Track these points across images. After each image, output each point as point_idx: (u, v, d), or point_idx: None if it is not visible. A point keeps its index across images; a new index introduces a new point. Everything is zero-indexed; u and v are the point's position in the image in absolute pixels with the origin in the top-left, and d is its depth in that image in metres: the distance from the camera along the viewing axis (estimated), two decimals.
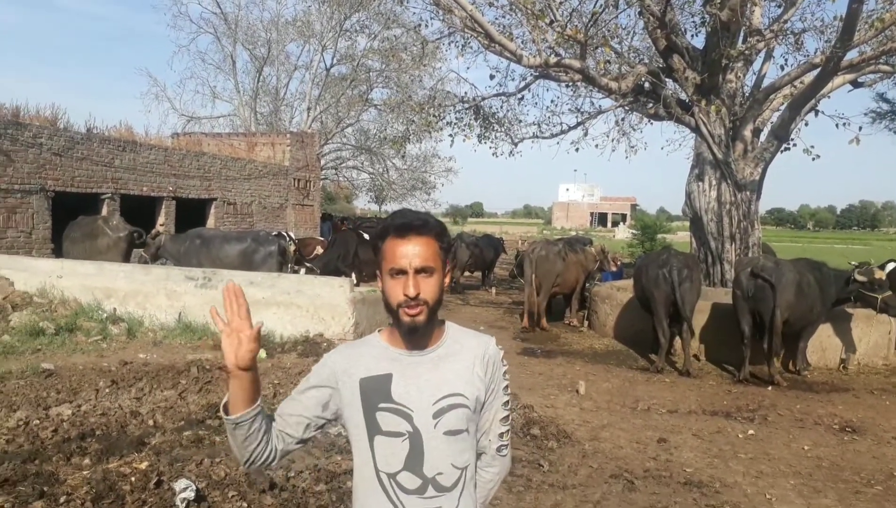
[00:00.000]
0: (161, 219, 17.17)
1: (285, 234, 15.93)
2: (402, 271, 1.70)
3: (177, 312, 9.91)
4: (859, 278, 8.56)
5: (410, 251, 1.70)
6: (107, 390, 6.64)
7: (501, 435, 1.86)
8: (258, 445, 1.75)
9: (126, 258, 11.74)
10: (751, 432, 6.39)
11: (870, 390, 8.25)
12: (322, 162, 30.25)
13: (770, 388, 8.17)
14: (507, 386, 1.86)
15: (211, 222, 19.60)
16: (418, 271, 1.70)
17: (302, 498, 4.23)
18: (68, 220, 12.69)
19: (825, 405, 7.48)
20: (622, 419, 6.69)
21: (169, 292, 10.04)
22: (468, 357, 1.79)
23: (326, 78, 32.63)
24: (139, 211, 16.69)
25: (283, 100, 35.12)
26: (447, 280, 1.80)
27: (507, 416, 1.87)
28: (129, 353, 8.57)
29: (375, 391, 1.72)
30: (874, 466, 5.59)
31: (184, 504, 3.88)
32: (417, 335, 1.75)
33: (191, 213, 18.79)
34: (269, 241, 11.90)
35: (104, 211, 15.45)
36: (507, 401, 1.87)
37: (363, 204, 60.02)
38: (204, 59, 35.79)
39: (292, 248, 14.27)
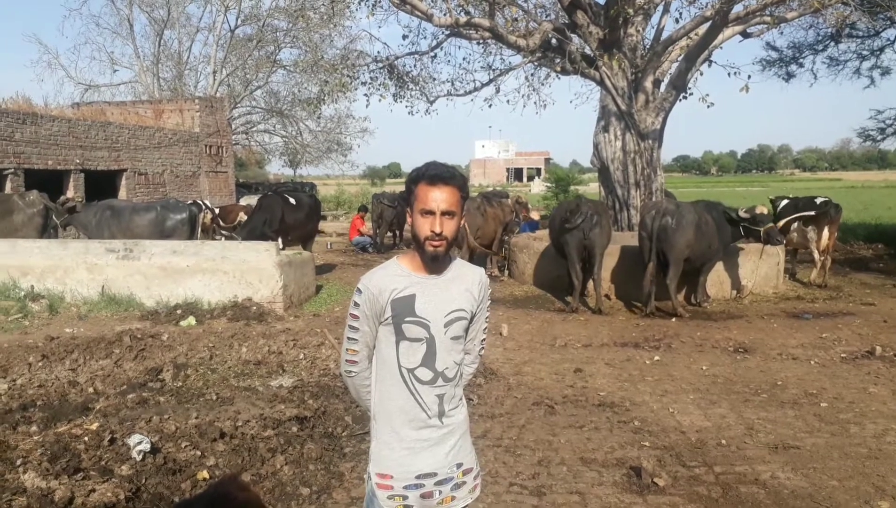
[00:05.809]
0: (70, 193, 16.55)
1: (201, 202, 15.72)
2: (431, 212, 2.11)
3: (99, 285, 9.80)
4: (743, 214, 9.42)
5: (439, 197, 2.11)
6: (39, 364, 6.66)
7: (483, 340, 2.43)
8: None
9: (42, 234, 11.42)
10: (656, 358, 7.08)
11: (761, 315, 9.17)
12: (232, 127, 29.50)
13: (674, 320, 8.96)
14: (489, 305, 2.38)
15: (123, 194, 19.01)
16: (443, 214, 2.11)
17: (252, 443, 4.53)
18: None
19: (722, 331, 8.30)
20: (542, 355, 7.26)
21: (90, 266, 9.90)
22: (468, 281, 2.27)
23: (231, 39, 31.58)
24: (46, 186, 16.03)
25: (186, 64, 33.82)
26: (463, 222, 2.23)
27: (486, 326, 2.42)
28: (55, 329, 8.49)
29: (403, 308, 2.16)
30: (761, 378, 6.36)
31: (140, 456, 4.11)
32: (437, 263, 2.20)
33: (101, 185, 18.16)
34: (178, 208, 11.84)
35: (7, 187, 14.81)
36: (488, 315, 2.40)
37: (276, 169, 58.68)
38: (98, 23, 34.08)
39: (208, 216, 14.15)
